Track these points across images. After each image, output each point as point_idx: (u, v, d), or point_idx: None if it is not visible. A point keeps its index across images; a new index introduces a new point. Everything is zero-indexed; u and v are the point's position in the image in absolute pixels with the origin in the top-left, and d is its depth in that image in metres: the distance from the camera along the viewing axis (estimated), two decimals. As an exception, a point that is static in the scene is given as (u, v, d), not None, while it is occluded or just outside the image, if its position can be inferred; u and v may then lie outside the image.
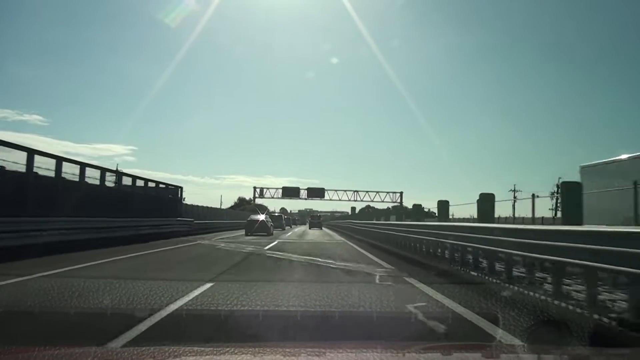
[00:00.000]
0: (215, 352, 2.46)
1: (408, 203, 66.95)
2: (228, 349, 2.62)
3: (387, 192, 77.27)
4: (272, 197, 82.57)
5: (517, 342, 4.28)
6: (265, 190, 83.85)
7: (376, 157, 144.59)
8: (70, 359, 2.27)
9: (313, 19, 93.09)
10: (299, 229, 55.10)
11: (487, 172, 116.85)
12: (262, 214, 35.38)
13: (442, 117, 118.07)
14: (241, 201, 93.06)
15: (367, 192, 78.85)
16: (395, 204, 70.87)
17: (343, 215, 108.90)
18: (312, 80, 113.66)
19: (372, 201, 77.03)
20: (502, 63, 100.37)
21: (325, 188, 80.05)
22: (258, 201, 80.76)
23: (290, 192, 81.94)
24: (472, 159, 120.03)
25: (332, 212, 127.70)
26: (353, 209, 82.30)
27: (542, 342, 3.97)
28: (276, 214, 52.93)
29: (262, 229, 30.11)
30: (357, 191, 79.28)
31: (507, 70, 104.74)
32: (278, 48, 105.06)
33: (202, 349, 2.54)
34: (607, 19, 77.44)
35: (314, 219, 63.05)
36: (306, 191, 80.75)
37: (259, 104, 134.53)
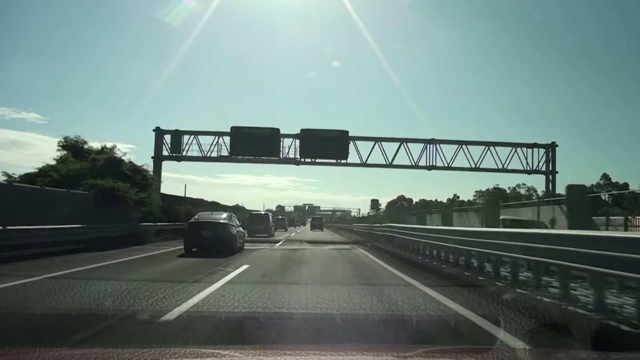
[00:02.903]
0: (216, 354, 2.46)
1: (565, 174, 43.64)
2: (229, 351, 2.65)
3: (514, 146, 34.51)
4: (205, 155, 34.10)
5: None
6: (187, 139, 33.75)
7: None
8: (71, 359, 2.25)
9: (313, 20, 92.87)
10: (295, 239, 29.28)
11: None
12: (224, 212, 18.65)
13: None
14: (70, 153, 24.24)
15: (462, 144, 34.27)
16: (533, 173, 35.24)
17: (345, 216, 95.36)
18: (314, 79, 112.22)
19: (477, 168, 34.55)
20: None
21: (354, 136, 34.38)
22: (168, 169, 39.33)
23: (248, 142, 32.20)
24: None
25: (334, 211, 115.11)
26: (374, 201, 61.60)
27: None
28: (262, 213, 36.46)
29: (218, 242, 14.67)
30: (434, 141, 34.33)
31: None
32: (278, 48, 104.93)
33: (204, 350, 2.53)
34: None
35: (316, 220, 57.08)
36: (297, 143, 33.36)
37: (261, 102, 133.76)
